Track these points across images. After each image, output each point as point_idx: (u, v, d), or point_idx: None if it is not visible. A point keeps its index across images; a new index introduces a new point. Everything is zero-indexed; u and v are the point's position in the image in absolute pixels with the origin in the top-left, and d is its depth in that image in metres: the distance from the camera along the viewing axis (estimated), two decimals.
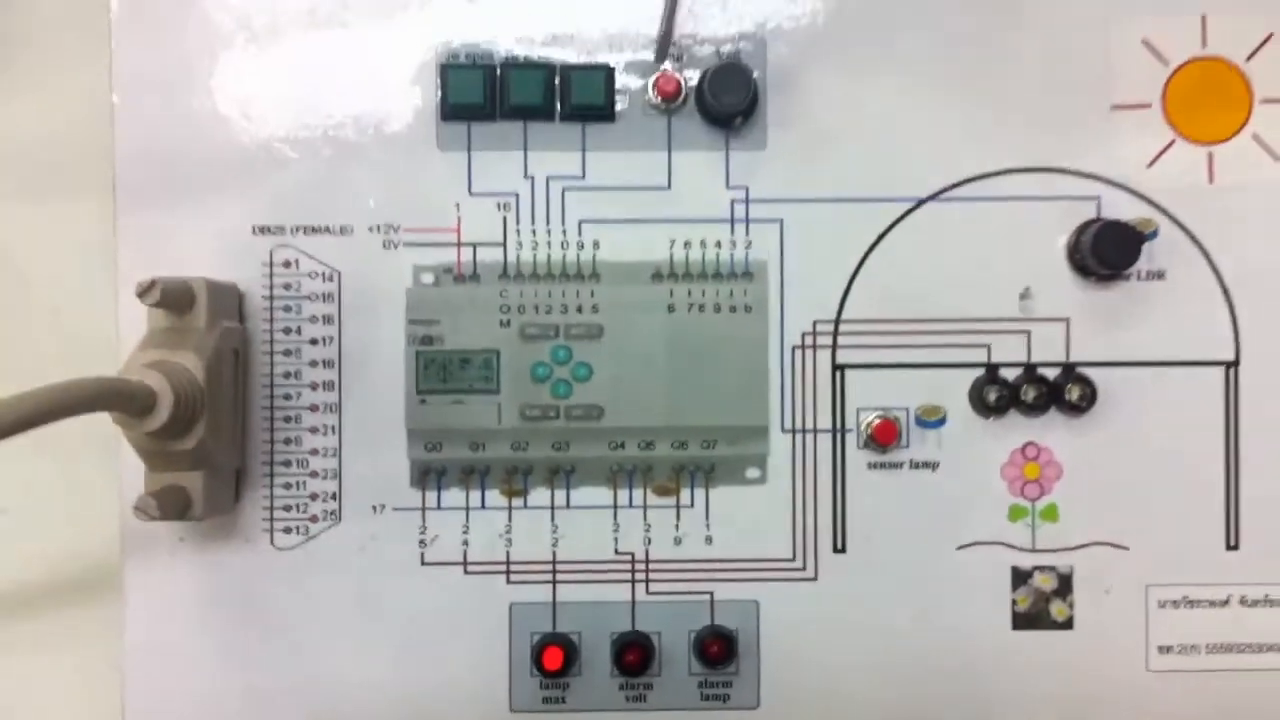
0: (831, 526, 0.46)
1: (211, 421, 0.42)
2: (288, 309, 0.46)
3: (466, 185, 0.46)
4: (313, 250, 0.46)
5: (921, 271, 0.46)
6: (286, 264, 0.46)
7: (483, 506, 0.46)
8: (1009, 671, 0.46)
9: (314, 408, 0.46)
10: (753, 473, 0.46)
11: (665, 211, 0.46)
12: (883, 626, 0.46)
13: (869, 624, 0.46)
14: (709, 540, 0.46)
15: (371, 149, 0.46)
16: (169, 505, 0.41)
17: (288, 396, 0.46)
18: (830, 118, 0.46)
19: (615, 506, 0.46)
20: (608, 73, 0.46)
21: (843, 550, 0.46)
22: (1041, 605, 0.46)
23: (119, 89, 0.46)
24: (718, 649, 0.46)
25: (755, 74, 0.45)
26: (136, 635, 0.46)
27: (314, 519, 0.46)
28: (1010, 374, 0.46)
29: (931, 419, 0.46)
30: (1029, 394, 0.46)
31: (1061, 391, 0.46)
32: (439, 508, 0.46)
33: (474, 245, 0.46)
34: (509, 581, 0.46)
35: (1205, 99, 0.47)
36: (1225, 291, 0.46)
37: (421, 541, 0.46)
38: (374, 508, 0.46)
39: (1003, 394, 0.46)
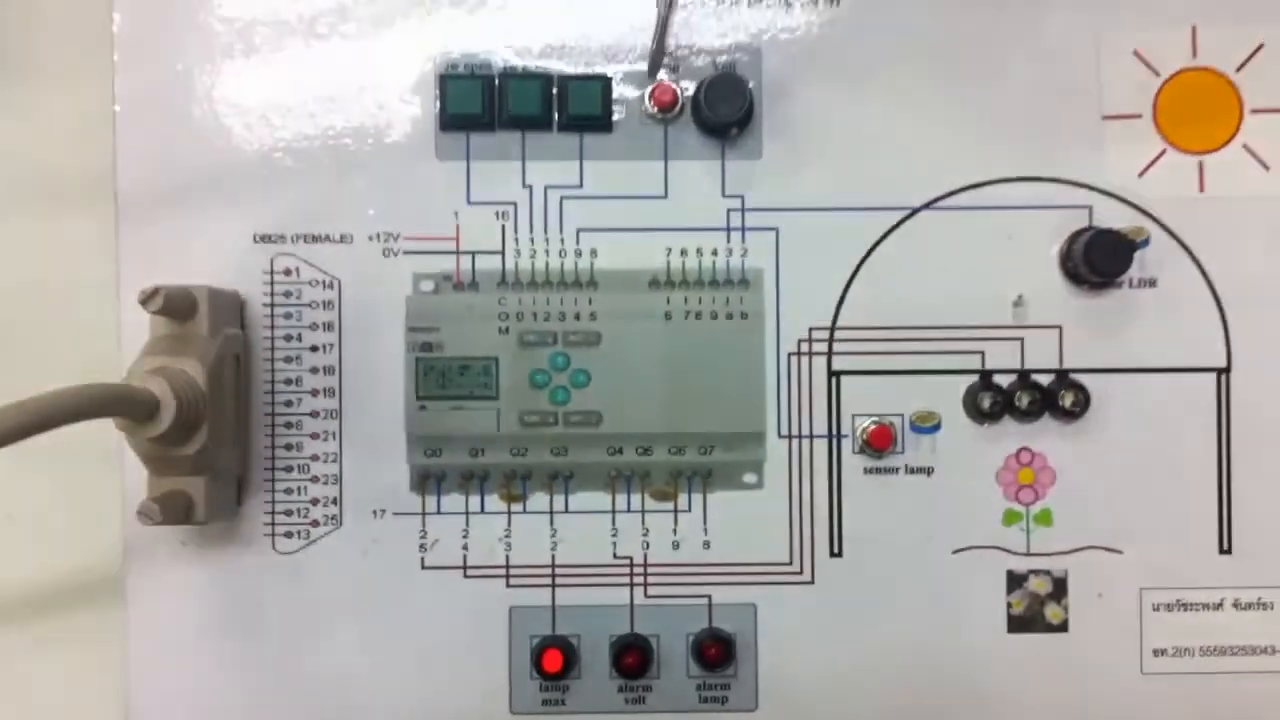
0: (828, 531, 0.47)
1: (213, 427, 0.42)
2: (288, 316, 0.46)
3: (465, 194, 0.47)
4: (313, 258, 0.46)
5: (916, 279, 0.47)
6: (287, 272, 0.46)
7: (482, 511, 0.46)
8: (1004, 674, 0.47)
9: (315, 414, 0.46)
10: (750, 478, 0.47)
11: (662, 220, 0.47)
12: (879, 629, 0.47)
13: (865, 627, 0.47)
14: (707, 544, 0.47)
15: (371, 158, 0.46)
16: (171, 510, 0.42)
17: (289, 403, 0.46)
18: (825, 128, 0.47)
19: (614, 511, 0.47)
20: (605, 83, 0.46)
21: (839, 554, 0.47)
22: (1036, 608, 0.47)
23: (121, 99, 0.46)
24: (716, 652, 0.46)
25: (751, 84, 0.46)
26: (139, 639, 0.46)
27: (315, 524, 0.46)
28: (1004, 380, 0.47)
29: (926, 425, 0.47)
30: (1023, 400, 0.46)
31: (1055, 398, 0.46)
32: (439, 512, 0.46)
33: (473, 253, 0.47)
34: (509, 585, 0.46)
35: (1196, 109, 0.47)
36: (1217, 299, 0.47)
37: (422, 546, 0.46)
38: (374, 512, 0.46)
39: (997, 400, 0.46)
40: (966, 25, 0.47)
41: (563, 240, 0.47)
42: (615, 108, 0.47)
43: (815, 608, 0.47)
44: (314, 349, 0.46)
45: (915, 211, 0.47)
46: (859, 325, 0.47)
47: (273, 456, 0.46)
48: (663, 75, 0.47)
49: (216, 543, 0.46)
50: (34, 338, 0.51)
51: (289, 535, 0.46)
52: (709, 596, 0.47)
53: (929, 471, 0.47)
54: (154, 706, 0.46)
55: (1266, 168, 0.47)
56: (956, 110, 0.47)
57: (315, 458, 0.46)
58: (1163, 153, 0.47)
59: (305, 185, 0.46)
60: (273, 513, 0.46)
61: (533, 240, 0.47)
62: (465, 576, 0.46)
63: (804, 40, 0.47)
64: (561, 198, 0.47)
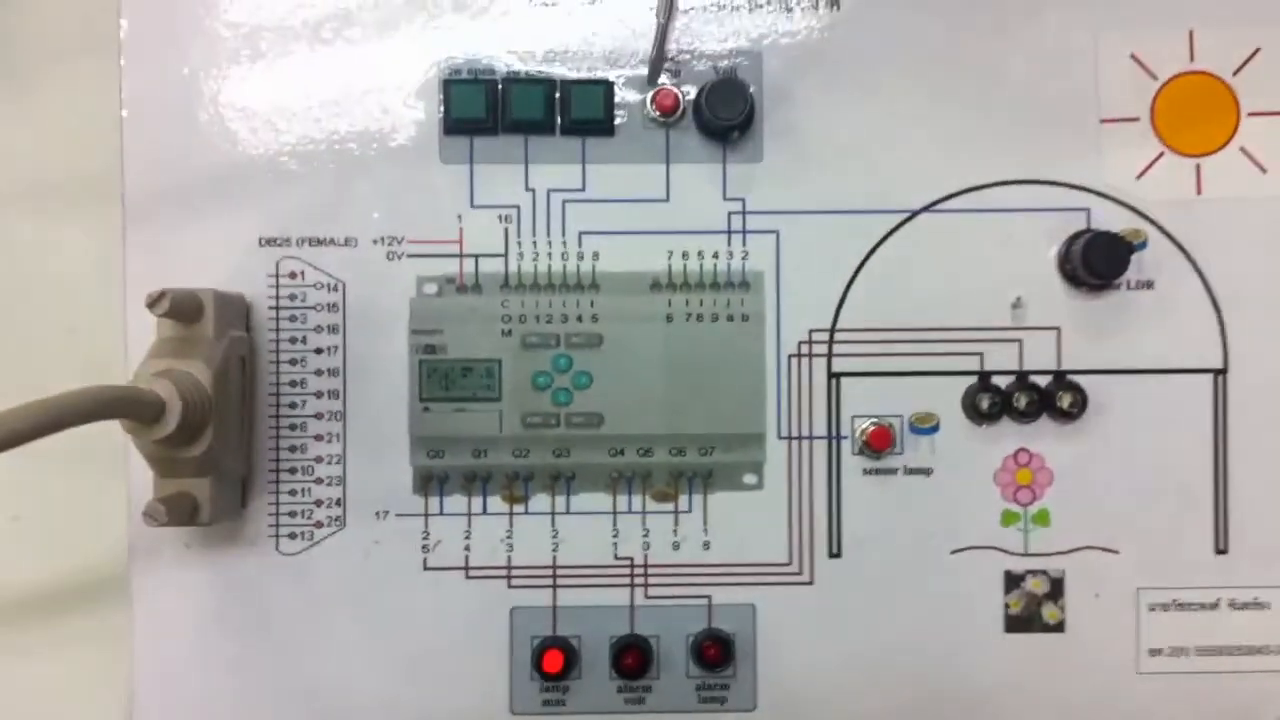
0: (827, 531, 0.47)
1: (219, 429, 0.42)
2: (293, 319, 0.47)
3: (469, 198, 0.47)
4: (318, 261, 0.47)
5: (915, 281, 0.47)
6: (292, 275, 0.47)
7: (484, 512, 0.47)
8: (1002, 673, 0.47)
9: (319, 415, 0.47)
10: (750, 479, 0.47)
11: (664, 223, 0.47)
12: (878, 629, 0.47)
13: (864, 627, 0.47)
14: (707, 545, 0.47)
15: (375, 163, 0.47)
16: (177, 511, 0.42)
17: (293, 405, 0.47)
18: (825, 131, 0.47)
19: (615, 512, 0.47)
20: (607, 88, 0.47)
21: (838, 555, 0.47)
22: (1034, 608, 0.47)
23: (128, 104, 0.46)
24: (715, 652, 0.46)
25: (751, 89, 0.46)
26: (144, 638, 0.46)
27: (319, 525, 0.47)
28: (1002, 382, 0.47)
29: (925, 426, 0.47)
30: (1021, 401, 0.46)
31: (1053, 399, 0.46)
32: (441, 514, 0.47)
33: (476, 256, 0.47)
34: (510, 586, 0.47)
35: (1193, 112, 0.47)
36: (1214, 301, 0.47)
37: (424, 547, 0.47)
38: (377, 514, 0.47)
39: (995, 401, 0.46)
40: (965, 29, 0.47)
41: (565, 243, 0.47)
42: (617, 112, 0.47)
43: (814, 608, 0.47)
44: (318, 351, 0.47)
45: (915, 214, 0.47)
46: (859, 327, 0.47)
47: (277, 458, 0.46)
48: (664, 80, 0.47)
49: (221, 544, 0.46)
50: (41, 340, 0.51)
51: (293, 536, 0.47)
52: (709, 597, 0.47)
53: (928, 472, 0.47)
54: (159, 705, 0.47)
55: (1263, 170, 0.47)
56: (955, 114, 0.47)
57: (319, 459, 0.47)
58: (1160, 155, 0.47)
59: (310, 189, 0.47)
60: (276, 514, 0.47)
61: (535, 243, 0.47)
62: (467, 577, 0.47)
63: (804, 45, 0.47)
64: (564, 201, 0.47)
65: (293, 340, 0.47)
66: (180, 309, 0.42)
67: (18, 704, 0.51)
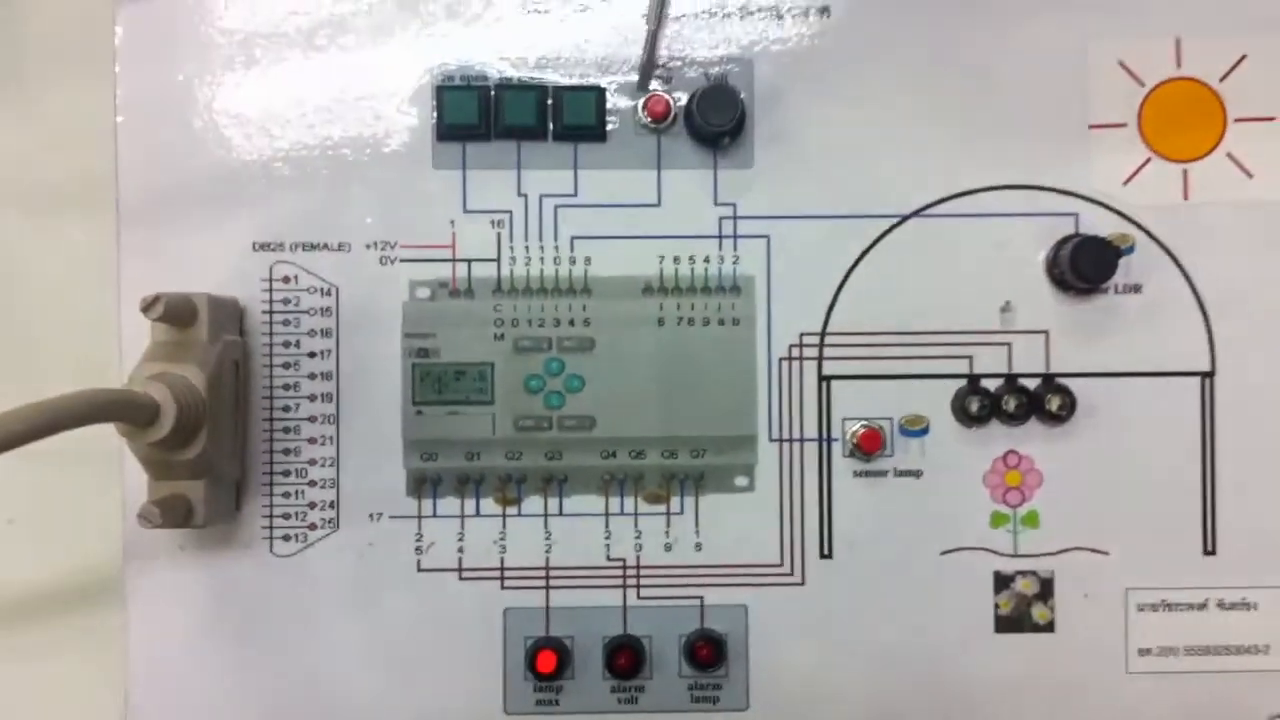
0: (818, 533, 0.47)
1: (213, 432, 0.42)
2: (287, 323, 0.47)
3: (461, 203, 0.47)
4: (311, 266, 0.47)
5: (905, 285, 0.47)
6: (286, 279, 0.47)
7: (477, 514, 0.47)
8: (991, 673, 0.47)
9: (312, 419, 0.47)
10: (741, 481, 0.47)
11: (655, 228, 0.47)
12: (868, 630, 0.47)
13: (855, 627, 0.47)
14: (699, 547, 0.47)
15: (369, 168, 0.47)
16: (171, 513, 0.42)
17: (287, 408, 0.47)
18: (815, 137, 0.47)
19: (607, 514, 0.47)
20: (599, 94, 0.47)
21: (829, 556, 0.47)
22: (1023, 609, 0.47)
23: (123, 110, 0.47)
24: (707, 652, 0.46)
25: (742, 95, 0.46)
26: (139, 641, 0.46)
27: (312, 527, 0.47)
28: (991, 384, 0.47)
29: (915, 428, 0.47)
30: (1010, 404, 0.47)
31: (1041, 401, 0.47)
32: (435, 516, 0.47)
33: (469, 261, 0.47)
34: (503, 587, 0.47)
35: (1180, 118, 0.48)
36: (1201, 304, 0.47)
37: (418, 549, 0.47)
38: (371, 516, 0.47)
39: (984, 404, 0.47)
40: (954, 36, 0.48)
41: (557, 248, 0.47)
42: (609, 118, 0.47)
43: (806, 609, 0.47)
44: (312, 355, 0.47)
45: (904, 219, 0.47)
46: (849, 331, 0.47)
47: (271, 461, 0.47)
48: (656, 86, 0.47)
49: (215, 546, 0.47)
50: (36, 343, 0.51)
51: (286, 538, 0.47)
52: (701, 598, 0.47)
53: (918, 474, 0.47)
54: (153, 707, 0.47)
55: (1250, 176, 0.48)
56: (945, 119, 0.47)
57: (313, 462, 0.47)
58: (1147, 161, 0.48)
59: (304, 194, 0.47)
60: (270, 516, 0.47)
61: (528, 248, 0.47)
62: (460, 579, 0.47)
63: (795, 51, 0.48)
64: (556, 206, 0.47)
65: (286, 344, 0.47)
66: (174, 313, 0.43)
67: (13, 705, 0.51)
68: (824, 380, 0.47)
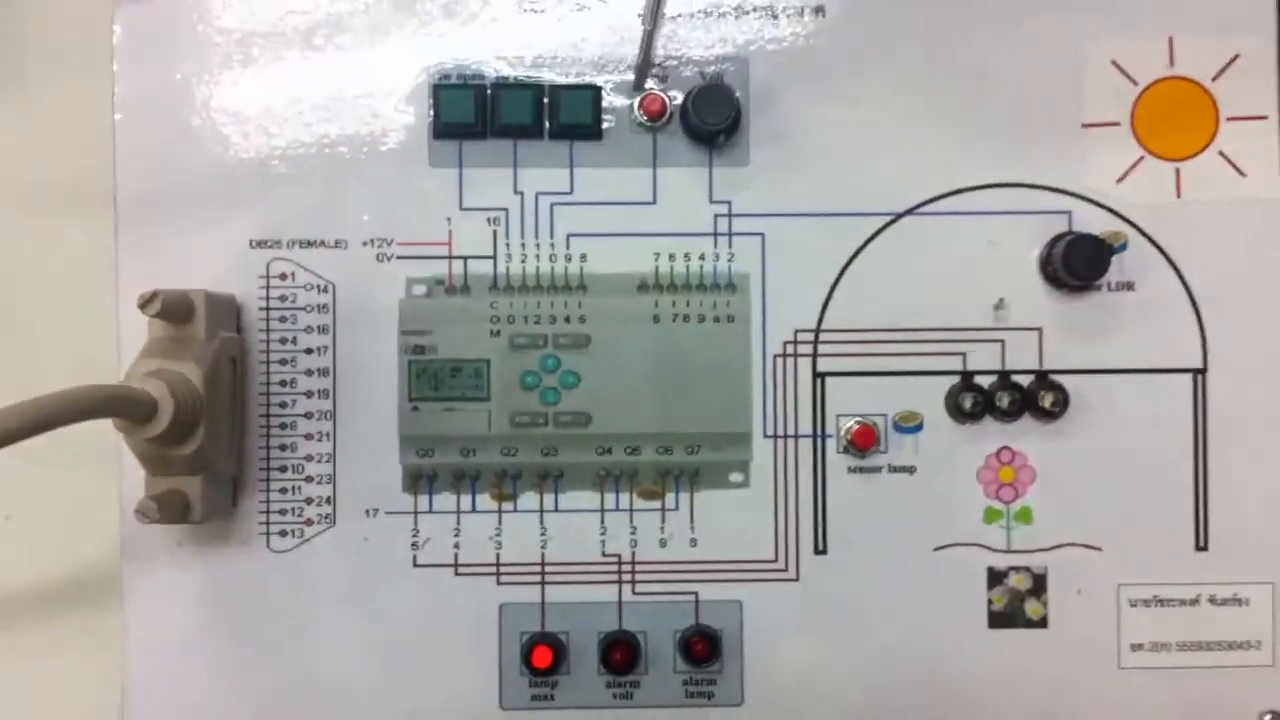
0: (813, 529, 0.47)
1: (210, 428, 0.43)
2: (284, 320, 0.47)
3: (458, 201, 0.47)
4: (308, 263, 0.47)
5: (899, 283, 0.48)
6: (283, 276, 0.47)
7: (473, 510, 0.47)
8: (985, 669, 0.47)
9: (309, 415, 0.47)
10: (736, 477, 0.47)
11: (651, 225, 0.48)
12: (863, 625, 0.47)
13: (849, 623, 0.47)
14: (694, 542, 0.47)
15: (366, 166, 0.47)
16: (169, 509, 0.42)
17: (283, 404, 0.47)
18: (810, 135, 0.48)
19: (602, 510, 0.47)
20: (595, 92, 0.47)
21: (823, 552, 0.47)
22: (1016, 604, 0.47)
23: (121, 108, 0.47)
24: (702, 648, 0.46)
25: (738, 94, 0.47)
26: (136, 636, 0.47)
27: (309, 522, 0.47)
28: (985, 381, 0.48)
29: (909, 425, 0.47)
30: (1003, 400, 0.47)
31: (1035, 398, 0.47)
32: (431, 511, 0.47)
33: (465, 258, 0.47)
34: (499, 583, 0.47)
35: (1173, 117, 0.48)
36: (1193, 302, 0.48)
37: (414, 544, 0.47)
38: (367, 512, 0.47)
39: (978, 400, 0.47)
40: (949, 36, 0.48)
41: (553, 245, 0.47)
42: (605, 116, 0.48)
43: (800, 604, 0.47)
44: (309, 351, 0.47)
45: (899, 217, 0.48)
46: (843, 328, 0.48)
47: (268, 457, 0.47)
48: (651, 84, 0.48)
49: (212, 542, 0.47)
50: (35, 341, 0.51)
51: (283, 534, 0.47)
52: (696, 593, 0.47)
53: (911, 470, 0.47)
54: (151, 703, 0.47)
55: (1242, 174, 0.48)
56: (939, 118, 0.48)
57: (309, 458, 0.47)
58: (1140, 159, 0.48)
59: (301, 192, 0.47)
60: (267, 512, 0.47)
61: (524, 245, 0.47)
62: (456, 574, 0.47)
63: (790, 50, 0.48)
64: (552, 204, 0.47)
65: (283, 340, 0.47)
66: (172, 310, 0.43)
67: (10, 702, 0.51)
68: (818, 377, 0.48)
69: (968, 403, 0.47)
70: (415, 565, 0.47)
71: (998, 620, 0.47)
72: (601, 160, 0.48)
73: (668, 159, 0.48)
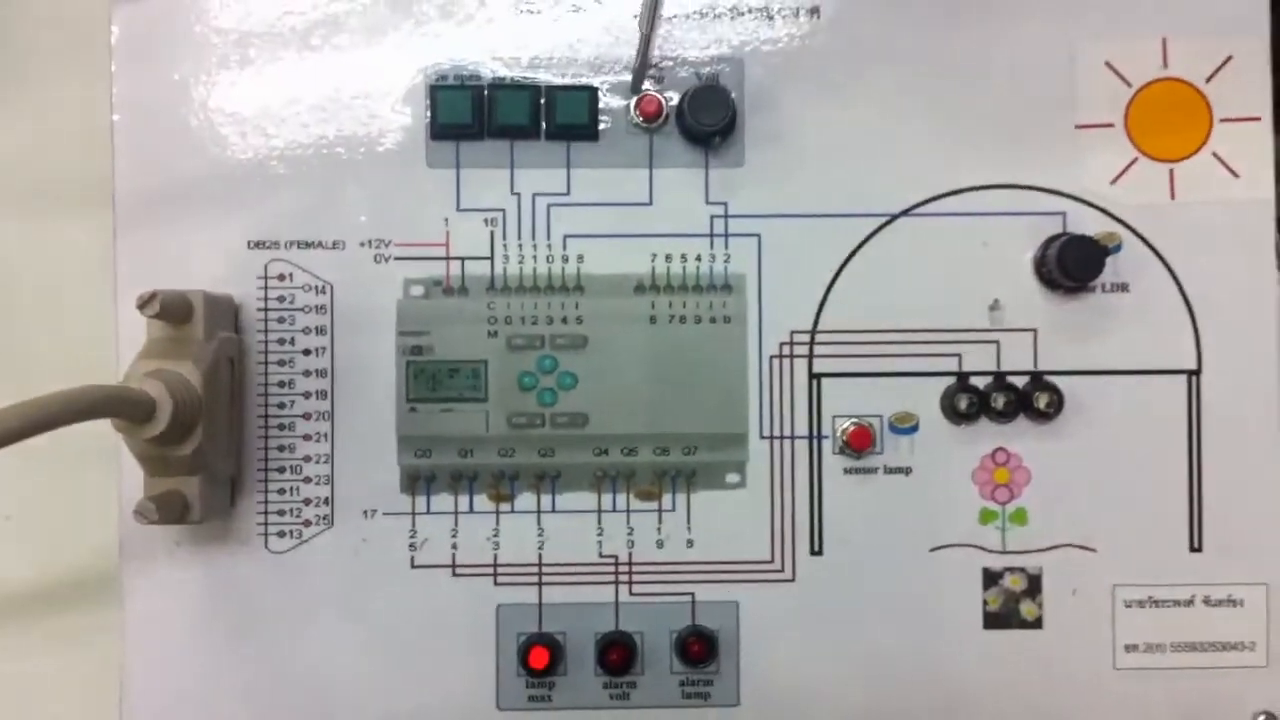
0: (809, 530, 0.47)
1: (208, 428, 0.43)
2: (282, 320, 0.47)
3: (455, 201, 0.47)
4: (306, 264, 0.47)
5: (895, 284, 0.48)
6: (281, 277, 0.47)
7: (471, 511, 0.47)
8: (980, 669, 0.47)
9: (307, 416, 0.47)
10: (732, 478, 0.48)
11: (647, 226, 0.48)
12: (859, 626, 0.47)
13: (845, 624, 0.47)
14: (690, 543, 0.47)
15: (363, 167, 0.47)
16: (167, 509, 0.43)
17: (282, 405, 0.47)
18: (806, 136, 0.48)
19: (599, 511, 0.47)
20: (591, 94, 0.47)
21: (820, 553, 0.47)
22: (1012, 605, 0.48)
23: (119, 109, 0.47)
24: (699, 648, 0.47)
25: (733, 95, 0.47)
26: (135, 636, 0.47)
27: (307, 523, 0.47)
28: (980, 382, 0.48)
29: (905, 426, 0.48)
30: (998, 401, 0.47)
31: (1030, 399, 0.47)
32: (428, 512, 0.47)
33: (462, 259, 0.47)
34: (496, 584, 0.47)
35: (1166, 118, 0.48)
36: (1187, 303, 0.48)
37: (411, 545, 0.47)
38: (365, 512, 0.47)
39: (973, 402, 0.47)
40: (944, 37, 0.48)
41: (550, 246, 0.48)
42: (601, 117, 0.48)
43: (796, 605, 0.47)
44: (307, 352, 0.47)
45: (894, 218, 0.48)
46: (839, 329, 0.48)
47: (266, 457, 0.47)
48: (648, 86, 0.48)
49: (210, 542, 0.47)
50: (33, 341, 0.51)
51: (281, 535, 0.47)
52: (692, 594, 0.47)
53: (907, 471, 0.48)
54: (149, 702, 0.47)
55: (1235, 175, 0.48)
56: (934, 119, 0.48)
57: (307, 458, 0.47)
58: (1134, 161, 0.48)
59: (299, 193, 0.47)
60: (265, 512, 0.47)
61: (521, 246, 0.48)
62: (454, 575, 0.47)
63: (785, 51, 0.48)
64: (549, 205, 0.48)
65: (281, 341, 0.47)
66: (170, 310, 0.43)
67: (9, 702, 0.51)
68: (814, 378, 0.48)
69: (963, 404, 0.47)
70: (413, 566, 0.47)
71: (993, 621, 0.48)
72: (598, 161, 0.48)
73: (664, 160, 0.48)
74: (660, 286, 0.48)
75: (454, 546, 0.47)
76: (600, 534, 0.47)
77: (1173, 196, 0.48)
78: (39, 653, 0.51)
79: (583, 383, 0.47)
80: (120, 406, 0.40)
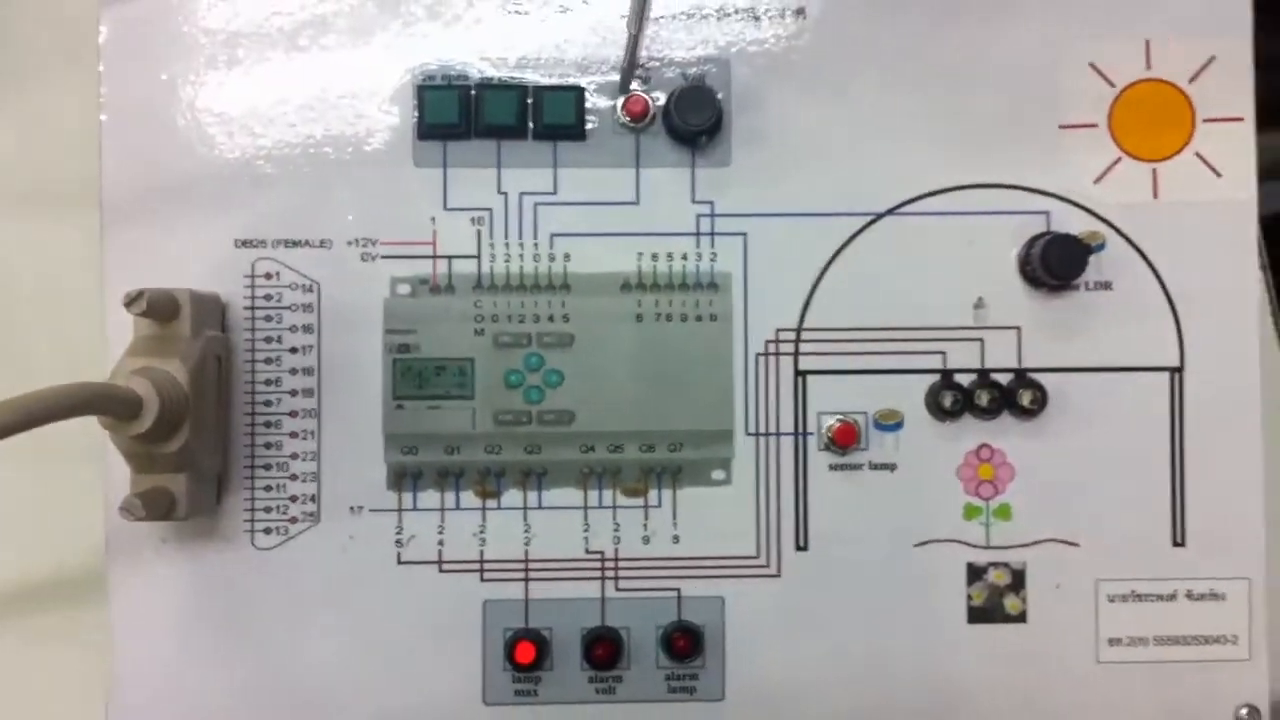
0: (794, 526, 0.48)
1: (195, 426, 0.43)
2: (269, 319, 0.47)
3: (442, 200, 0.48)
4: (293, 263, 0.47)
5: (880, 282, 0.48)
6: (268, 276, 0.47)
7: (457, 508, 0.47)
8: (965, 664, 0.48)
9: (294, 413, 0.47)
10: (718, 474, 0.48)
11: (634, 225, 0.48)
12: (844, 621, 0.48)
13: (830, 619, 0.48)
14: (676, 539, 0.47)
15: (351, 166, 0.48)
16: (154, 506, 0.43)
17: (268, 402, 0.47)
18: (792, 136, 0.48)
19: (585, 507, 0.48)
20: (578, 93, 0.48)
21: (805, 548, 0.48)
22: (996, 600, 0.48)
23: (107, 108, 0.47)
24: (684, 643, 0.47)
25: (720, 95, 0.47)
26: (122, 633, 0.47)
27: (293, 520, 0.47)
28: (965, 380, 0.48)
29: (889, 422, 0.48)
30: (983, 398, 0.47)
31: (1014, 396, 0.47)
32: (415, 509, 0.47)
33: (449, 258, 0.48)
34: (483, 580, 0.47)
35: (1150, 119, 0.49)
36: (1170, 301, 0.48)
37: (398, 541, 0.47)
38: (352, 509, 0.47)
39: (957, 398, 0.47)
40: (929, 38, 0.48)
41: (537, 245, 0.48)
42: (588, 117, 0.48)
43: (782, 600, 0.48)
44: (293, 350, 0.47)
45: (879, 217, 0.48)
46: (825, 327, 0.48)
47: (252, 454, 0.47)
48: (635, 86, 0.48)
49: (197, 539, 0.47)
50: (21, 338, 0.51)
51: (268, 531, 0.47)
52: (678, 590, 0.48)
53: (892, 468, 0.48)
54: (137, 700, 0.47)
55: (1218, 175, 0.48)
56: (919, 119, 0.48)
57: (294, 456, 0.47)
58: (1118, 160, 0.48)
59: (286, 192, 0.47)
60: (252, 509, 0.47)
61: (508, 245, 0.48)
62: (440, 571, 0.47)
63: (771, 52, 0.48)
64: (536, 204, 0.48)
65: (268, 339, 0.47)
66: (157, 308, 0.43)
67: None
68: (800, 375, 0.48)
69: (947, 401, 0.47)
70: (399, 562, 0.47)
71: (977, 615, 0.48)
72: (585, 161, 0.48)
73: (650, 159, 0.48)
74: (647, 285, 0.48)
75: (440, 543, 0.47)
76: (586, 530, 0.48)
77: (1156, 196, 0.48)
78: (25, 650, 0.51)
79: (569, 380, 0.47)
80: (107, 404, 0.40)
